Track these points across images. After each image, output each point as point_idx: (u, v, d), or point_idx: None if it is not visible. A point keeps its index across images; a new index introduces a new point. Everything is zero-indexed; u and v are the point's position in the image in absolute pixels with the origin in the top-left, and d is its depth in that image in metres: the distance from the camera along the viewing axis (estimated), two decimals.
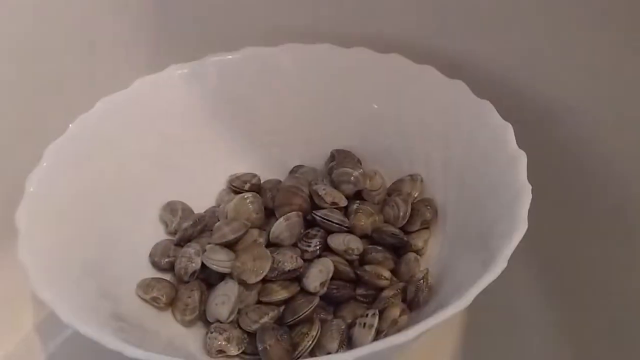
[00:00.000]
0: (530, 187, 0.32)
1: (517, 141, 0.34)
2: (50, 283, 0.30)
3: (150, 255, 0.39)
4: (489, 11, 0.40)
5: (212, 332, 0.34)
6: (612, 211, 0.36)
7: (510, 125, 0.35)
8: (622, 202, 0.36)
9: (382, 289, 0.36)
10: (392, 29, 0.44)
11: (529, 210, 0.31)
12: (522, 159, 0.33)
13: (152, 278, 0.37)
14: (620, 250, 0.36)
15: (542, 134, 0.40)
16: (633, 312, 0.34)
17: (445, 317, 0.27)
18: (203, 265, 0.37)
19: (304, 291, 0.36)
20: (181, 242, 0.39)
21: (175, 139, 0.42)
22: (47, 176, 0.34)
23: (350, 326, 0.34)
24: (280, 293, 0.36)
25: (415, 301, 0.35)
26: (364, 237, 0.39)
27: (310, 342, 0.33)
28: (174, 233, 0.40)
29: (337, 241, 0.38)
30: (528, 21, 0.39)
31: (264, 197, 0.41)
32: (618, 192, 0.36)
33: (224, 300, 0.35)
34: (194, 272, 0.37)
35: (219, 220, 0.40)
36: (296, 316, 0.34)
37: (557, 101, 0.39)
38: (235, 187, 0.43)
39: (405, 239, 0.38)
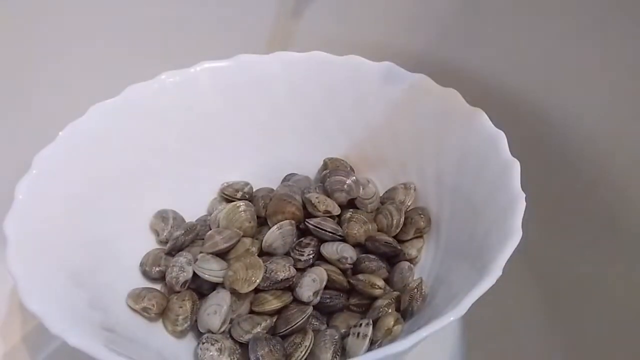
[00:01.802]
0: (524, 195, 0.32)
1: (510, 149, 0.35)
2: (38, 293, 0.29)
3: (141, 264, 0.38)
4: (482, 19, 0.40)
5: (203, 343, 0.34)
6: (607, 219, 0.36)
7: (503, 133, 0.35)
8: (616, 209, 0.36)
9: (375, 298, 0.36)
10: (386, 37, 0.44)
11: (523, 219, 0.31)
12: (516, 167, 0.33)
13: (143, 288, 0.36)
14: (615, 257, 0.36)
15: (536, 141, 0.40)
16: (628, 320, 0.34)
17: (440, 327, 0.27)
18: (195, 274, 0.36)
19: (297, 301, 0.36)
20: (172, 251, 0.39)
21: (167, 147, 0.41)
22: (36, 184, 0.34)
23: (344, 336, 0.34)
24: (272, 303, 0.35)
25: (409, 310, 0.34)
26: (357, 245, 0.39)
27: (304, 352, 0.33)
28: (165, 242, 0.39)
29: (331, 250, 0.37)
30: (521, 28, 0.39)
31: (256, 205, 0.41)
32: (613, 200, 0.36)
33: (216, 310, 0.34)
34: (186, 281, 0.36)
35: (210, 229, 0.40)
36: (289, 326, 0.34)
37: (550, 109, 0.39)
38: (227, 195, 0.42)
39: (399, 247, 0.38)
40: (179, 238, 0.38)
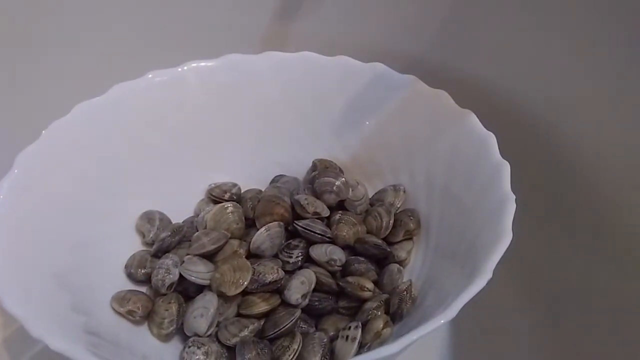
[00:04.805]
0: (515, 197, 0.32)
1: (500, 151, 0.34)
2: (19, 296, 0.28)
3: (126, 266, 0.38)
4: (471, 21, 0.40)
5: (189, 347, 0.33)
6: (598, 221, 0.37)
7: (493, 135, 0.35)
8: (607, 212, 0.36)
9: (364, 300, 0.36)
10: (376, 38, 0.44)
11: (513, 221, 0.30)
12: (506, 168, 0.33)
13: (128, 290, 0.36)
14: (605, 260, 0.36)
15: (526, 143, 0.40)
16: (619, 323, 0.34)
17: (430, 330, 0.27)
18: (181, 276, 0.36)
19: (285, 303, 0.35)
20: (158, 253, 0.38)
21: (153, 147, 0.41)
22: (18, 184, 0.33)
23: (333, 339, 0.34)
24: (260, 305, 0.35)
25: (398, 313, 0.34)
26: (346, 247, 0.38)
27: (292, 355, 0.33)
28: (151, 244, 0.39)
29: (319, 252, 0.37)
30: (511, 30, 0.39)
31: (244, 207, 0.40)
32: (603, 202, 0.36)
33: (203, 313, 0.34)
34: (172, 284, 0.36)
35: (197, 231, 0.39)
36: (277, 329, 0.34)
37: (540, 110, 0.39)
38: (215, 196, 0.42)
39: (388, 249, 0.38)
40: (165, 239, 0.38)
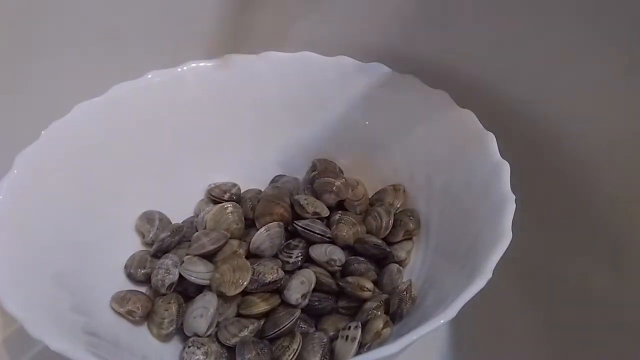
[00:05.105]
0: (514, 197, 0.32)
1: (500, 151, 0.34)
2: (19, 295, 0.28)
3: (126, 266, 0.38)
4: (472, 21, 0.40)
5: (189, 347, 0.33)
6: (596, 222, 0.36)
7: (493, 135, 0.35)
8: (606, 212, 0.36)
9: (364, 300, 0.36)
10: (375, 38, 0.44)
11: (513, 221, 0.30)
12: (505, 168, 0.33)
13: (128, 290, 0.36)
14: (605, 260, 0.36)
15: (526, 143, 0.40)
16: (617, 323, 0.34)
17: (431, 329, 0.27)
18: (181, 277, 0.36)
19: (285, 303, 0.35)
20: (158, 253, 0.38)
21: (153, 146, 0.41)
22: (17, 184, 0.33)
23: (333, 339, 0.34)
24: (260, 305, 0.35)
25: (398, 313, 0.34)
26: (346, 247, 0.38)
27: (292, 355, 0.33)
28: (151, 244, 0.39)
29: (319, 252, 0.37)
30: (510, 30, 0.39)
31: (244, 207, 0.41)
32: (602, 202, 0.36)
33: (202, 313, 0.34)
34: (172, 284, 0.36)
35: (197, 231, 0.39)
36: (277, 329, 0.34)
37: (540, 110, 0.39)
38: (215, 196, 0.42)
39: (388, 249, 0.38)
40: (165, 240, 0.38)
